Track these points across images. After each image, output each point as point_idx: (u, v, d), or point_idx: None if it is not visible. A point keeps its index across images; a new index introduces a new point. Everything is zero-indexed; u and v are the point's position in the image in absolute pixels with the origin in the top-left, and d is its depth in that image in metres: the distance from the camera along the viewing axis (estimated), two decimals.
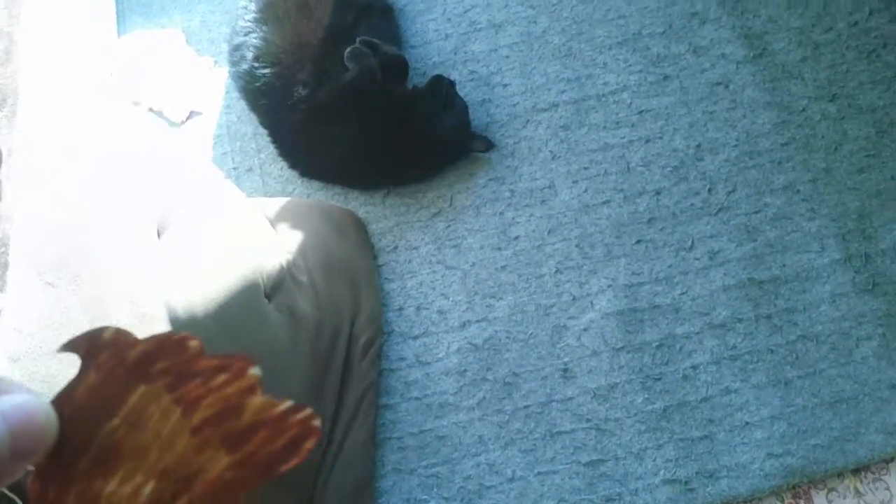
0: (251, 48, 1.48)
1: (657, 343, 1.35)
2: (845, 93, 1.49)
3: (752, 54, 1.54)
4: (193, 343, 0.45)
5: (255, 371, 0.44)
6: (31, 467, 0.42)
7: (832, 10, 1.56)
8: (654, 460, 1.29)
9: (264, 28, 1.48)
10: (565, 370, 1.35)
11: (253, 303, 1.18)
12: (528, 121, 1.54)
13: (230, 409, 0.44)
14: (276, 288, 1.25)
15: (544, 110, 1.54)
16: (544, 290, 1.41)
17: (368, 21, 1.56)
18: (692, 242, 1.41)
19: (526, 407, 1.33)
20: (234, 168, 1.57)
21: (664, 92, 1.53)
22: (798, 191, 1.43)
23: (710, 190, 1.45)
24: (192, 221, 1.17)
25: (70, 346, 0.44)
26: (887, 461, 1.27)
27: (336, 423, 1.24)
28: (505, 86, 1.58)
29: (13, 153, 0.90)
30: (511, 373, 1.35)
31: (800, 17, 1.56)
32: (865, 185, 1.42)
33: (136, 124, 1.28)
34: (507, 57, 1.60)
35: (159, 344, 0.44)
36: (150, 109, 1.62)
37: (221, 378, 0.44)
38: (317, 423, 0.44)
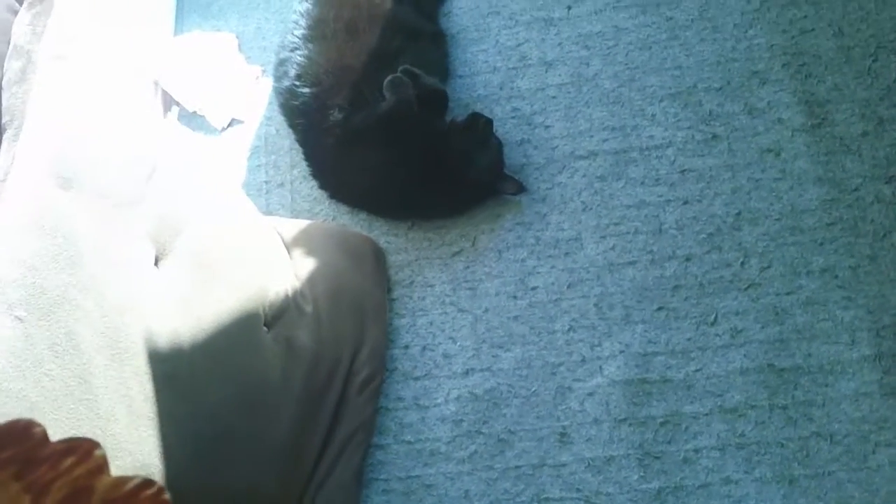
0: (294, 65, 1.48)
1: (662, 419, 1.30)
2: None
3: (810, 123, 1.46)
4: (38, 430, 0.45)
5: (100, 452, 0.46)
6: None
7: None
8: None
9: (310, 46, 1.48)
10: (563, 434, 1.31)
11: (248, 332, 1.18)
12: (564, 167, 1.50)
13: (80, 491, 0.45)
14: (277, 317, 1.25)
15: (583, 157, 1.50)
16: (554, 346, 1.37)
17: (416, 46, 1.54)
18: (716, 317, 1.35)
19: (517, 467, 1.31)
20: (266, 182, 1.58)
21: (711, 152, 1.47)
22: (836, 276, 1.35)
23: (742, 263, 1.38)
24: (197, 245, 1.17)
25: None
26: None
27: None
28: (547, 127, 1.54)
29: (7, 177, 0.91)
30: (507, 429, 1.33)
31: (867, 89, 1.47)
32: None
33: (161, 135, 1.28)
34: (554, 97, 1.56)
35: (3, 433, 0.45)
36: (194, 112, 1.65)
37: (69, 461, 0.45)
38: (166, 496, 0.46)
